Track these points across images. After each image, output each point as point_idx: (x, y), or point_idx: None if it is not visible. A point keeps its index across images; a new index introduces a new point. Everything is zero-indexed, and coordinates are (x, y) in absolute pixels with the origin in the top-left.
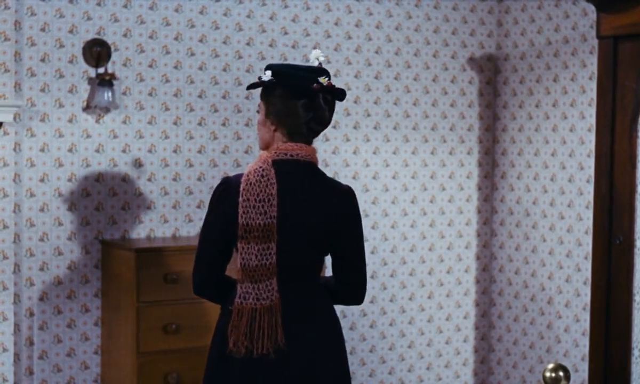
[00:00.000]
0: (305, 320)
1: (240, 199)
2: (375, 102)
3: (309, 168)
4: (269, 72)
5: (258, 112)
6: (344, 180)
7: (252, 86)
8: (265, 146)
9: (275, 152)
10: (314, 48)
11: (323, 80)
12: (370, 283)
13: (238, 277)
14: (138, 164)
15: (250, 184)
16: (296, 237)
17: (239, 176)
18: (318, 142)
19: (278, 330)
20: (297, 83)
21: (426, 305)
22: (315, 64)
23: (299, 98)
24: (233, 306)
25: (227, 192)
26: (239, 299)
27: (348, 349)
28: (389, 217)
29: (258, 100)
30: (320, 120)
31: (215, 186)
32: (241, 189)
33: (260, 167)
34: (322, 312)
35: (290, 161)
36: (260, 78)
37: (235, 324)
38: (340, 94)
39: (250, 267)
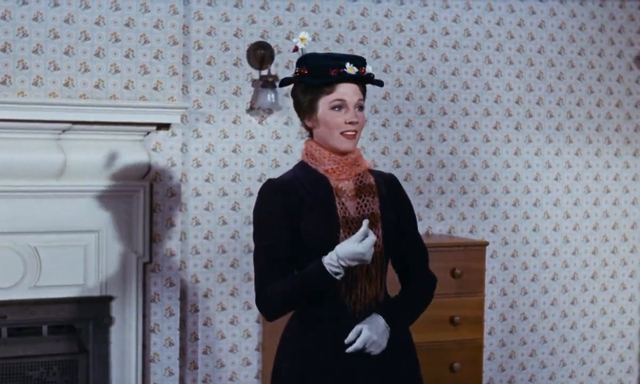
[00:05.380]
0: None
1: None
2: (538, 103)
3: None
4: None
5: (362, 107)
6: (504, 181)
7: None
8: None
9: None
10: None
11: None
12: (530, 286)
13: None
14: None
15: None
16: None
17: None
18: (478, 143)
19: None
20: None
21: (589, 310)
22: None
23: None
24: None
25: None
26: None
27: (508, 352)
28: (550, 219)
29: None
30: None
31: None
32: None
33: None
34: None
35: None
36: (373, 76)
37: None
38: None
39: None
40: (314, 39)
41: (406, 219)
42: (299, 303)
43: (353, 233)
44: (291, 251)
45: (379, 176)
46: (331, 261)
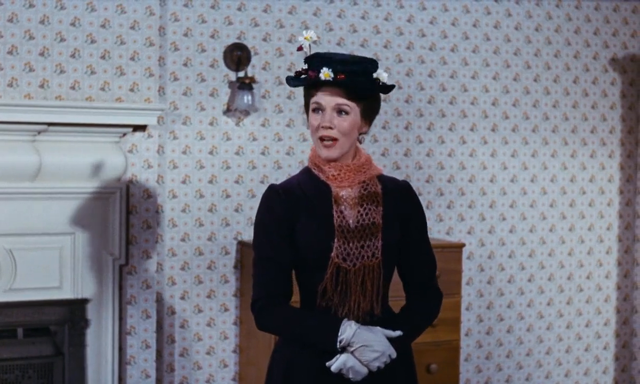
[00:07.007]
0: None
1: None
2: (514, 104)
3: None
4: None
5: (347, 112)
6: (480, 183)
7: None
8: (342, 155)
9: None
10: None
11: None
12: (507, 288)
13: None
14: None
15: None
16: None
17: None
18: (455, 144)
19: None
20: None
21: (565, 311)
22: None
23: None
24: None
25: None
26: None
27: (484, 353)
28: (526, 221)
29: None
30: None
31: None
32: None
33: None
34: None
35: None
36: (379, 82)
37: None
38: None
39: None
40: (289, 41)
41: (415, 229)
42: (296, 339)
43: (348, 243)
44: (291, 258)
45: (390, 183)
46: (346, 333)
